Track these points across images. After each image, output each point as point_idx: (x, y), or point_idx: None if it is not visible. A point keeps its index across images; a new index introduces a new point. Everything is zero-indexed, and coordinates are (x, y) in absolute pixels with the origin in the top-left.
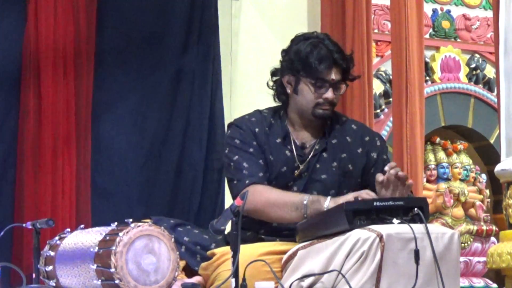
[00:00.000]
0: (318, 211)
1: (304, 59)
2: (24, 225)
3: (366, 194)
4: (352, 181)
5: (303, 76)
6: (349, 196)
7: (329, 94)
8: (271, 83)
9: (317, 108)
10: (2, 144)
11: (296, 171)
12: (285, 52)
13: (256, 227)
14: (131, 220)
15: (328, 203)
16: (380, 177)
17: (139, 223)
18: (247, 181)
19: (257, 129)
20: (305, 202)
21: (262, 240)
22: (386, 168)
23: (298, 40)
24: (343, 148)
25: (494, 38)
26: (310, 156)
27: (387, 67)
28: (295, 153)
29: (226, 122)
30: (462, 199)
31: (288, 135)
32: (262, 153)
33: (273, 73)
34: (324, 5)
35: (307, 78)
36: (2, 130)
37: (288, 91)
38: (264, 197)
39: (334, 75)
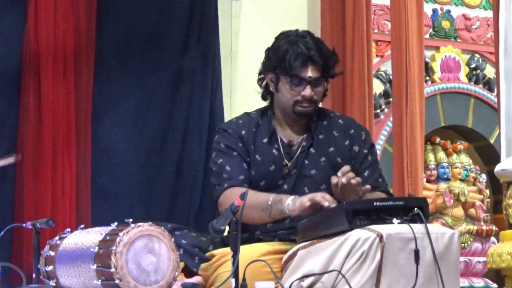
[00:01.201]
0: (281, 211)
1: (281, 57)
2: (24, 225)
3: (321, 197)
4: None
5: (281, 74)
6: (305, 199)
7: (307, 91)
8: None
9: (296, 106)
10: (2, 144)
11: (284, 169)
12: (268, 50)
13: (252, 228)
14: (131, 220)
15: (289, 201)
16: (333, 179)
17: (139, 223)
18: (225, 185)
19: (243, 132)
20: (269, 202)
21: (261, 240)
22: (339, 173)
23: (279, 38)
24: (330, 142)
25: (494, 38)
26: (297, 153)
27: (387, 67)
28: (282, 151)
29: None
30: (462, 199)
31: (275, 134)
32: (248, 156)
33: (260, 71)
34: (324, 5)
35: (284, 76)
36: (2, 130)
37: (271, 89)
38: None
39: (311, 73)
